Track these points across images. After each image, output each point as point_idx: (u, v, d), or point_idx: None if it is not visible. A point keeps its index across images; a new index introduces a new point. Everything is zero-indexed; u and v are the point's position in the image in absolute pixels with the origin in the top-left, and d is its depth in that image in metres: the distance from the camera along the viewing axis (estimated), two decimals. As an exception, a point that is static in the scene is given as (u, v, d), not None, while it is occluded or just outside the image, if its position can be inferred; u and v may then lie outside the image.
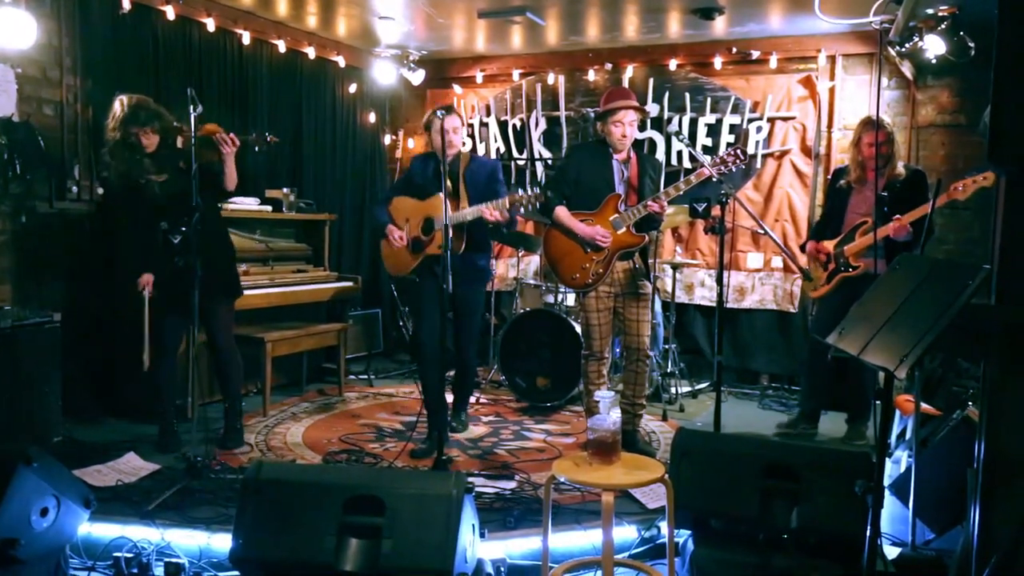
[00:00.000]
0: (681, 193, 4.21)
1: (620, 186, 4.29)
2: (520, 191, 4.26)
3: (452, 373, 4.89)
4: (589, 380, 4.42)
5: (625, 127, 4.21)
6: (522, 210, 4.23)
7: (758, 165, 6.25)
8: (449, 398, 4.59)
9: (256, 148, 4.19)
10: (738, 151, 4.13)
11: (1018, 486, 2.13)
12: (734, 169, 4.19)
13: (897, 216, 4.18)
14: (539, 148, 6.95)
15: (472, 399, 5.35)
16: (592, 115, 6.65)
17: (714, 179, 4.07)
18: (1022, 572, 2.04)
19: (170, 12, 5.24)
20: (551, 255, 4.40)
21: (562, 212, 4.31)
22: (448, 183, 4.15)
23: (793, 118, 6.16)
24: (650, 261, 4.52)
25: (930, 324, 2.04)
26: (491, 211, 4.13)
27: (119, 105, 4.08)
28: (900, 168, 4.46)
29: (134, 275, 4.20)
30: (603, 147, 4.35)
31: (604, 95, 4.37)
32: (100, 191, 4.97)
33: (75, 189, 4.86)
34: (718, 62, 6.29)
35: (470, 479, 2.65)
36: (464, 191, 4.32)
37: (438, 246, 4.11)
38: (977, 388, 3.56)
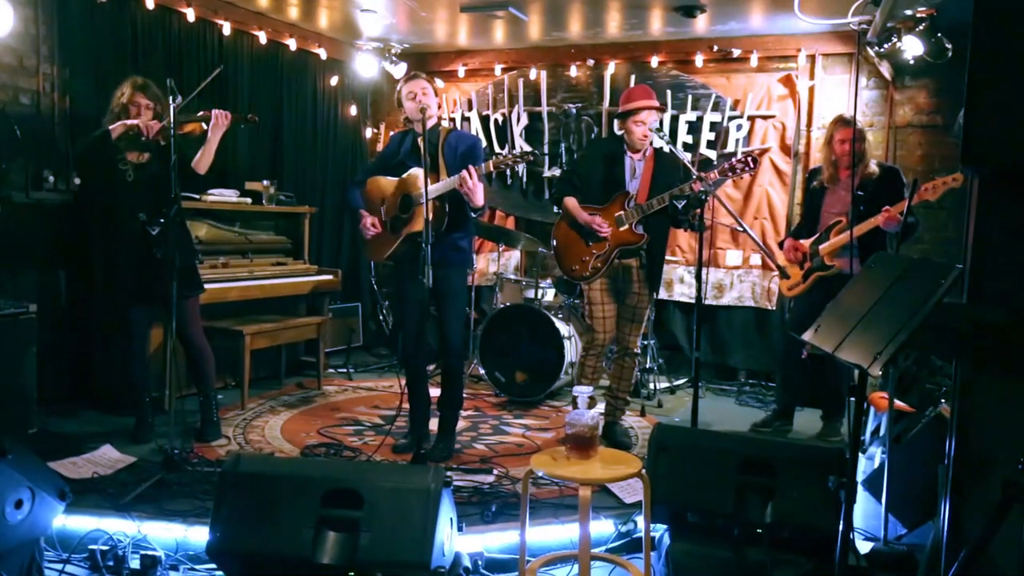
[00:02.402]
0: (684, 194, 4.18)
1: (631, 184, 4.31)
2: (503, 153, 4.16)
3: (433, 367, 4.83)
4: (583, 373, 4.47)
5: (647, 127, 4.24)
6: (509, 178, 4.17)
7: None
8: (433, 423, 4.35)
9: (242, 125, 4.23)
10: (750, 159, 4.10)
11: (987, 482, 2.16)
12: (744, 175, 4.21)
13: (886, 208, 4.20)
14: (521, 143, 6.95)
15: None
16: (573, 111, 6.68)
17: (710, 182, 4.08)
18: (990, 567, 2.07)
19: (149, 1, 5.19)
20: (558, 244, 4.48)
21: (570, 202, 4.37)
22: (424, 153, 3.90)
23: (773, 116, 6.20)
24: (661, 268, 4.50)
25: (903, 322, 2.07)
26: (470, 176, 3.79)
27: (129, 83, 4.16)
28: (873, 167, 4.49)
29: (108, 265, 4.20)
30: (618, 144, 4.37)
31: (625, 93, 4.37)
32: (77, 181, 4.92)
33: (51, 179, 4.80)
34: (699, 60, 6.32)
35: (448, 473, 2.66)
36: (443, 163, 4.04)
37: (420, 221, 3.84)
38: (949, 386, 3.61)
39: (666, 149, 6.29)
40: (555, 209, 4.55)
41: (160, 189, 4.00)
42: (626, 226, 4.26)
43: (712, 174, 4.09)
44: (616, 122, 4.41)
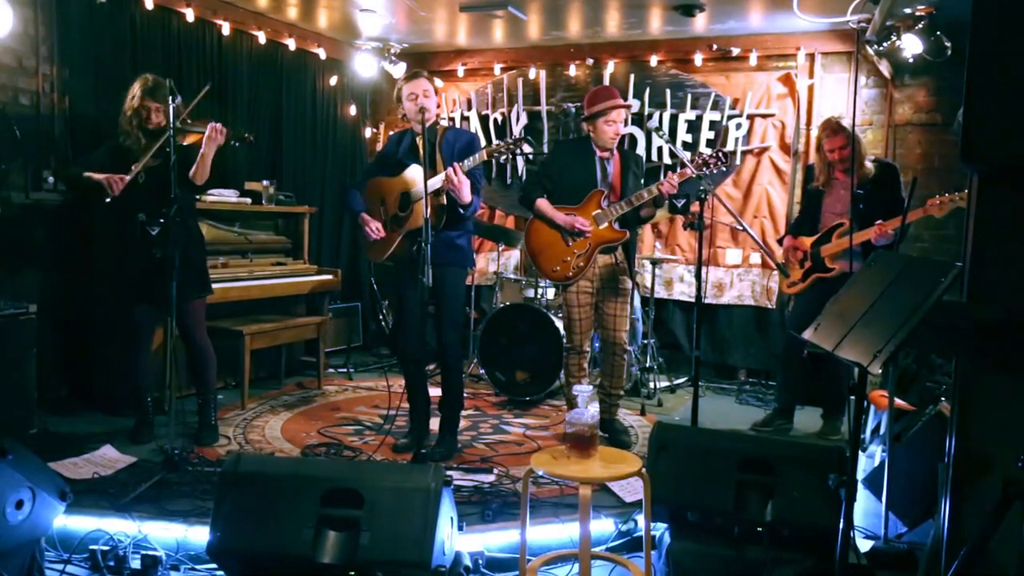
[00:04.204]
0: (658, 194, 4.21)
1: (604, 183, 4.32)
2: (497, 141, 4.09)
3: (433, 366, 4.82)
4: (570, 373, 4.48)
5: (618, 125, 4.26)
6: (502, 159, 4.10)
7: (737, 162, 6.28)
8: (435, 423, 4.35)
9: (234, 143, 4.16)
10: (720, 153, 4.13)
11: (987, 480, 2.17)
12: (715, 172, 4.23)
13: (880, 222, 4.21)
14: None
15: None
16: (572, 111, 6.68)
17: (693, 175, 4.10)
18: (990, 565, 2.08)
19: (148, 1, 5.19)
20: (532, 247, 4.41)
21: (543, 203, 4.34)
22: (422, 152, 3.89)
23: (772, 115, 6.20)
24: (635, 256, 4.52)
25: (903, 320, 2.07)
26: (459, 170, 3.81)
27: (139, 84, 4.10)
28: (868, 165, 4.48)
29: (113, 265, 4.19)
30: (586, 144, 4.37)
31: (589, 95, 4.37)
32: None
33: (51, 180, 4.81)
34: (699, 59, 6.32)
35: (448, 472, 2.66)
36: (440, 161, 4.02)
37: (418, 218, 3.88)
38: (949, 384, 3.61)
39: (666, 148, 6.36)
40: (530, 213, 4.48)
41: (169, 190, 4.00)
42: (606, 224, 4.26)
43: (687, 171, 4.10)
44: (584, 125, 4.40)
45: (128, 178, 3.98)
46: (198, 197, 5.01)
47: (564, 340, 4.55)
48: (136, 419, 4.33)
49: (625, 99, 6.07)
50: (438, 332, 4.15)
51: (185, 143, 4.09)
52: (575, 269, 4.29)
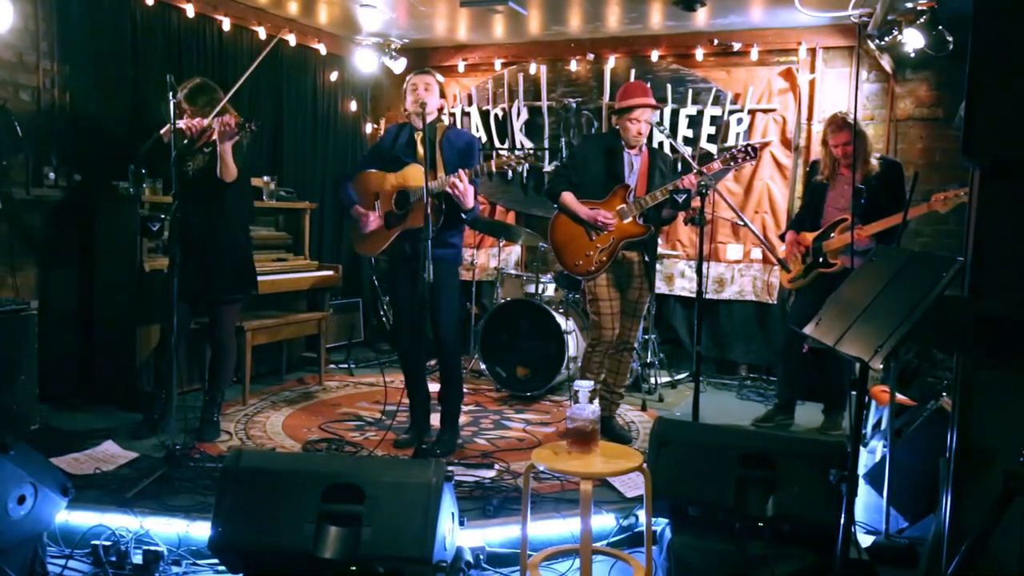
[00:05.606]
0: (681, 189, 4.18)
1: (630, 178, 4.30)
2: (506, 152, 4.05)
3: (433, 362, 4.82)
4: (589, 369, 4.45)
5: (641, 124, 4.22)
6: (510, 172, 4.07)
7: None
8: (436, 418, 4.36)
9: (242, 135, 4.15)
10: (749, 147, 4.11)
11: (989, 475, 2.17)
12: (743, 165, 4.22)
13: (859, 225, 4.21)
14: (521, 138, 6.94)
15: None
16: (573, 106, 6.67)
17: (720, 168, 4.11)
18: (991, 560, 2.08)
19: (149, -3, 5.19)
20: (556, 240, 4.40)
21: (568, 197, 4.32)
22: (421, 150, 3.92)
23: (774, 110, 6.19)
24: (656, 256, 4.51)
25: (904, 315, 2.07)
26: (460, 180, 3.80)
27: (181, 87, 4.10)
28: (874, 162, 4.48)
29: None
30: (615, 139, 4.35)
31: (621, 89, 4.36)
32: (78, 177, 4.92)
33: (52, 175, 4.81)
34: (699, 53, 6.31)
35: (450, 468, 2.67)
36: (440, 160, 4.01)
37: (416, 219, 3.88)
38: (951, 379, 3.61)
39: (666, 144, 6.35)
40: (554, 206, 4.49)
41: (212, 184, 4.05)
42: (629, 219, 4.25)
43: (715, 164, 4.10)
44: (613, 117, 4.39)
45: (206, 122, 4.05)
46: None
47: (589, 335, 4.51)
48: (144, 415, 4.32)
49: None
50: (434, 326, 4.13)
51: (213, 139, 4.08)
52: (597, 263, 4.27)
